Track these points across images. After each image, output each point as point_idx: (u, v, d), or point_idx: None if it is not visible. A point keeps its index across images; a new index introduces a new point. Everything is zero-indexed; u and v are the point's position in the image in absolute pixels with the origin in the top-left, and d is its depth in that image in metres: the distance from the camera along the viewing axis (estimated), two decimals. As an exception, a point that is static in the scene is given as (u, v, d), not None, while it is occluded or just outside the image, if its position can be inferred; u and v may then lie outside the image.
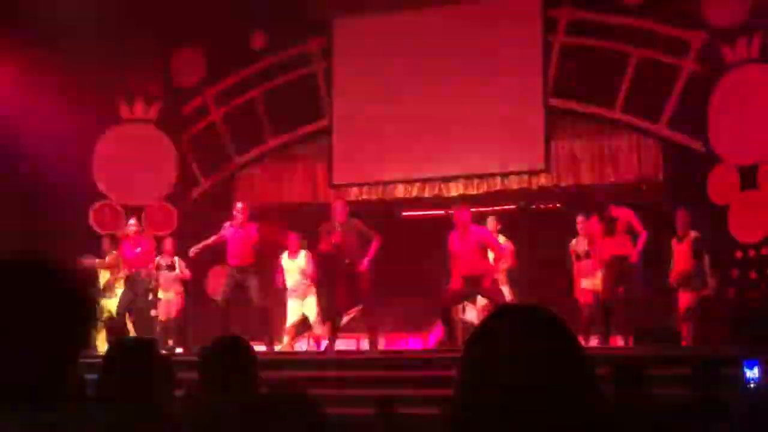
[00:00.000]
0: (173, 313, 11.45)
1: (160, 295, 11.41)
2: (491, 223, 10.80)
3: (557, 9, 11.95)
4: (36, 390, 1.49)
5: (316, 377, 8.71)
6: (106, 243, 11.78)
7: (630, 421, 4.41)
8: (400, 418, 6.71)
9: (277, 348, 10.69)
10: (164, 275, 11.45)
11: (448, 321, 9.61)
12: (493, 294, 9.39)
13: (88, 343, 1.58)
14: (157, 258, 11.53)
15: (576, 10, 11.83)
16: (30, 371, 1.49)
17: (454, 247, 9.41)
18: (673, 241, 9.99)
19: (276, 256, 11.07)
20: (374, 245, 9.90)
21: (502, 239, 10.63)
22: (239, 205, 10.77)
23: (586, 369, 1.38)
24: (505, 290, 10.44)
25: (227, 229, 10.56)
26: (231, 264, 10.52)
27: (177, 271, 11.49)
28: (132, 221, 11.52)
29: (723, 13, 10.87)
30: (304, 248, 10.98)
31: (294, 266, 10.99)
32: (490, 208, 11.77)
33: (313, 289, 10.98)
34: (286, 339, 11.00)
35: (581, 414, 1.34)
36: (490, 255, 9.66)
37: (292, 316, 11.00)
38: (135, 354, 3.22)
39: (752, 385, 6.59)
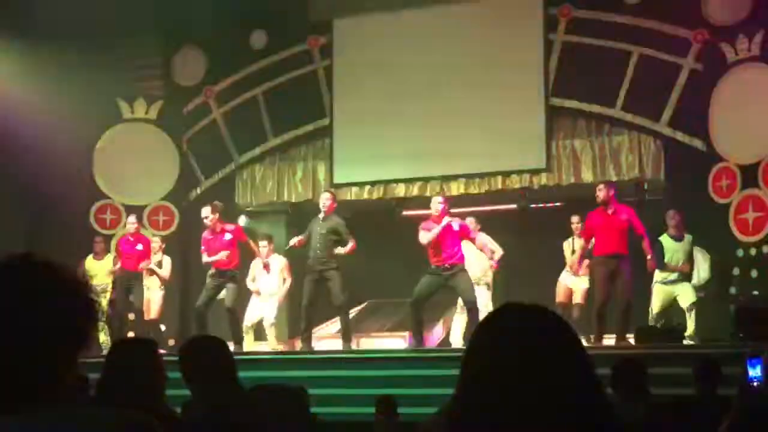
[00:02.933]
0: (156, 313, 11.37)
1: (147, 294, 11.38)
2: (471, 222, 10.73)
3: (558, 7, 11.95)
4: (36, 390, 1.49)
5: (316, 377, 8.70)
6: (98, 244, 11.71)
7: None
8: (400, 417, 6.70)
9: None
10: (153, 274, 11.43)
11: None
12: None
13: (89, 343, 1.57)
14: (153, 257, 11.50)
15: (576, 8, 11.83)
16: (31, 371, 1.49)
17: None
18: (668, 241, 9.97)
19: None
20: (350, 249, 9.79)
21: (484, 238, 10.61)
22: (205, 209, 10.41)
23: (588, 368, 1.38)
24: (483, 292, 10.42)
25: (204, 236, 10.37)
26: (213, 267, 10.28)
27: (164, 271, 11.41)
28: (131, 219, 11.49)
29: (724, 11, 10.87)
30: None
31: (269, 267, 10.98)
32: (491, 208, 11.78)
33: (281, 292, 10.95)
34: (247, 338, 10.91)
35: (584, 413, 1.34)
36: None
37: (253, 315, 10.94)
38: (136, 354, 3.22)
39: (755, 384, 6.59)
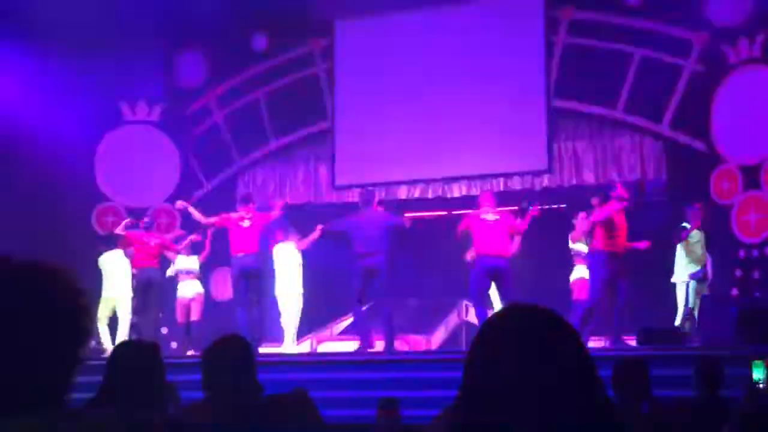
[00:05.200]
0: (195, 315, 11.25)
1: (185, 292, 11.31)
2: None
3: (559, 9, 11.95)
4: (37, 392, 1.49)
5: (317, 379, 8.69)
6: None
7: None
8: (403, 419, 6.70)
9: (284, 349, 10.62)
10: (181, 275, 11.32)
11: None
12: None
13: (86, 344, 1.57)
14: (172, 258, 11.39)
15: (578, 10, 11.83)
16: (31, 371, 1.48)
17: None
18: (684, 237, 9.99)
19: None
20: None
21: None
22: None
23: (589, 369, 1.37)
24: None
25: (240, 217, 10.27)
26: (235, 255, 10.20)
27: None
28: (147, 218, 11.36)
29: (725, 12, 10.87)
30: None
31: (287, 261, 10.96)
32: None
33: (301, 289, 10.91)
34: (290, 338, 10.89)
35: (586, 414, 1.33)
36: None
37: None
38: (138, 356, 3.22)
39: (760, 385, 6.58)
